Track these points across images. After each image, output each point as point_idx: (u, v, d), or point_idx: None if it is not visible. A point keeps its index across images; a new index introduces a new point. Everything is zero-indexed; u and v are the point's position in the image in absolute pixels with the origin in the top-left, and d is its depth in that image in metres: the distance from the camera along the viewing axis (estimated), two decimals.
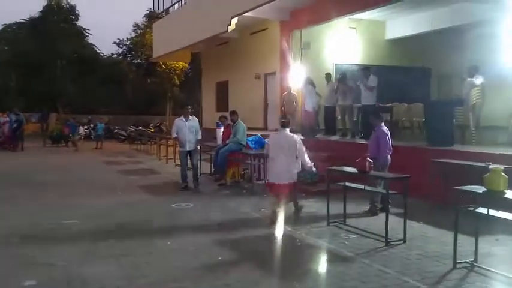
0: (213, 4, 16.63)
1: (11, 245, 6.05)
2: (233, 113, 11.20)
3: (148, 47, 29.59)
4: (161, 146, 17.46)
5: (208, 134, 15.75)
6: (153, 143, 20.06)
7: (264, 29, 17.06)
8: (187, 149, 10.33)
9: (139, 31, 37.92)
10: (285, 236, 6.49)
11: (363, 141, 10.34)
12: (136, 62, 40.59)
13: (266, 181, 9.78)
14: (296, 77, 14.67)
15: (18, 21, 39.89)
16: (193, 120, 10.58)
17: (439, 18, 14.22)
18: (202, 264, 5.24)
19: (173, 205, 8.58)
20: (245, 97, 18.48)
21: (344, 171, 7.22)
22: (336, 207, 7.17)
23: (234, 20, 14.54)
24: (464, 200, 5.25)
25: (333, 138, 12.59)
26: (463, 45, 13.46)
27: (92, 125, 28.53)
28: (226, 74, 20.65)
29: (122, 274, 4.91)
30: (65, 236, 6.45)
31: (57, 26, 38.04)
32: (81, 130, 26.97)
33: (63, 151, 21.31)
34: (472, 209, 5.09)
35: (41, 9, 38.58)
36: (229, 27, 14.70)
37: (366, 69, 11.89)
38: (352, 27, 15.72)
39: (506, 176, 4.80)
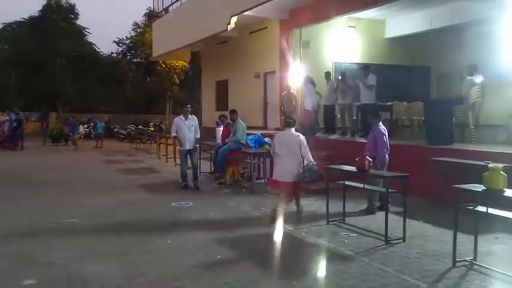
0: (212, 3, 16.62)
1: (10, 243, 6.05)
2: (233, 112, 11.20)
3: (148, 46, 29.62)
4: (161, 145, 17.46)
5: (208, 133, 15.76)
6: (152, 141, 20.07)
7: (264, 28, 17.06)
8: (187, 148, 10.33)
9: (138, 30, 37.98)
10: (285, 235, 6.49)
11: (362, 140, 10.34)
12: (136, 61, 40.64)
13: (266, 179, 9.88)
14: (296, 75, 14.66)
15: (18, 20, 39.94)
16: (193, 119, 10.57)
17: (438, 17, 14.21)
18: (201, 263, 5.24)
19: (173, 204, 8.58)
20: (245, 96, 18.48)
21: (343, 170, 7.22)
22: (336, 206, 7.18)
23: (234, 19, 14.54)
24: (463, 198, 5.25)
25: (333, 137, 12.59)
26: (462, 43, 13.45)
27: (91, 124, 28.55)
28: (226, 73, 20.65)
29: (121, 273, 4.92)
30: (64, 235, 6.45)
31: (57, 25, 38.07)
32: (81, 129, 26.98)
33: (63, 150, 21.32)
34: (471, 207, 5.09)
35: (40, 8, 38.61)
36: (228, 26, 14.70)
37: (365, 68, 11.91)
38: (352, 26, 15.72)
39: (506, 175, 4.80)
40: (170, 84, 33.65)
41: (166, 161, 15.47)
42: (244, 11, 14.06)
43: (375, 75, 11.49)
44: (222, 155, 10.80)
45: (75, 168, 14.39)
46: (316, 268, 5.30)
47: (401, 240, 6.00)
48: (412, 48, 15.88)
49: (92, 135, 26.32)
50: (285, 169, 7.25)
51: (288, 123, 7.67)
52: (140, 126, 27.77)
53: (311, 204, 8.20)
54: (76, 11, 40.13)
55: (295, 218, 7.29)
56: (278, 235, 6.56)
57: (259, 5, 13.20)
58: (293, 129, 7.53)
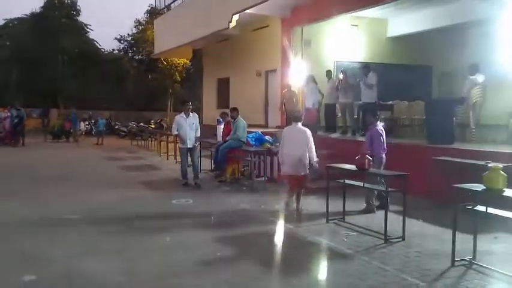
0: (214, 1, 16.61)
1: (11, 239, 6.08)
2: (233, 109, 11.22)
3: (150, 43, 29.58)
4: (162, 142, 17.47)
5: (209, 130, 15.75)
6: (153, 139, 20.08)
7: (265, 26, 17.04)
8: (188, 146, 10.33)
9: (140, 27, 37.89)
10: (285, 233, 6.52)
11: (363, 139, 10.34)
12: (137, 58, 40.57)
13: (266, 177, 9.91)
14: (297, 74, 14.65)
15: (19, 16, 39.94)
16: (194, 117, 10.56)
17: (440, 16, 14.20)
18: (201, 260, 5.26)
19: (173, 201, 8.60)
20: (246, 94, 18.48)
21: (344, 169, 7.23)
22: (336, 205, 7.20)
23: (235, 17, 14.52)
24: (463, 198, 5.26)
25: (333, 135, 12.59)
26: (464, 43, 13.45)
27: (92, 121, 28.57)
28: (227, 71, 20.64)
29: (122, 269, 4.94)
30: (65, 231, 6.47)
31: (59, 21, 38.07)
32: (82, 126, 27.01)
33: (64, 146, 21.35)
34: (470, 207, 5.10)
35: (42, 4, 38.60)
36: (230, 24, 14.69)
37: (365, 67, 11.91)
38: (354, 25, 15.69)
39: (505, 174, 4.81)
40: (171, 82, 33.62)
41: (167, 159, 15.47)
42: (245, 9, 14.05)
43: (375, 74, 11.48)
44: (223, 152, 10.80)
45: (76, 165, 14.42)
46: (315, 266, 5.31)
47: (400, 239, 6.01)
48: (414, 48, 15.86)
49: (93, 132, 26.34)
50: (294, 163, 7.59)
51: (295, 117, 8.04)
52: (141, 124, 27.81)
53: (311, 203, 8.21)
54: (78, 7, 40.12)
55: (295, 214, 7.42)
56: (278, 233, 6.58)
57: (261, 3, 13.17)
58: (300, 124, 7.86)
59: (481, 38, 12.36)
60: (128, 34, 41.13)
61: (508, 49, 10.73)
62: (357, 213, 7.59)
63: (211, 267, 5.05)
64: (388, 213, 6.15)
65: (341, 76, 12.76)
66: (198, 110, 18.49)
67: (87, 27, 41.25)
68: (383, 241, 5.96)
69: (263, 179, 10.26)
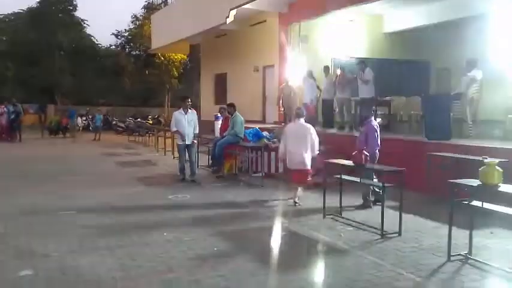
0: None
1: (7, 235, 6.07)
2: (230, 105, 11.21)
3: (147, 38, 29.52)
4: (159, 138, 17.46)
5: (206, 126, 15.75)
6: (151, 135, 20.06)
7: (263, 21, 17.01)
8: (187, 142, 10.29)
9: (137, 22, 37.80)
10: (281, 229, 6.52)
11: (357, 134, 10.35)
12: (134, 53, 40.50)
13: (264, 172, 9.94)
14: (294, 70, 14.64)
15: (16, 11, 39.79)
16: (192, 114, 10.51)
17: (437, 12, 14.19)
18: (197, 255, 5.26)
19: (170, 196, 8.60)
20: (244, 90, 18.46)
21: (341, 164, 7.23)
22: (333, 200, 7.20)
23: (233, 12, 14.51)
24: (460, 193, 5.27)
25: (331, 131, 12.59)
26: (461, 38, 13.44)
27: (90, 117, 28.53)
28: (225, 66, 20.61)
29: (117, 264, 4.93)
30: (61, 227, 6.46)
31: (55, 16, 37.96)
32: (79, 121, 26.96)
33: (61, 142, 21.32)
34: (466, 202, 5.11)
35: None
36: (227, 19, 14.66)
37: (361, 63, 11.92)
38: (350, 21, 15.66)
39: (501, 170, 4.82)
40: (169, 77, 33.59)
41: (165, 154, 15.47)
42: (243, 4, 14.03)
43: (372, 70, 11.48)
44: (220, 148, 10.80)
45: (73, 161, 14.40)
46: (311, 261, 5.30)
47: (397, 234, 6.01)
48: (412, 43, 15.86)
49: (90, 128, 26.31)
50: (295, 158, 7.88)
51: (297, 114, 8.24)
52: (139, 119, 27.77)
53: (308, 198, 8.21)
54: (74, 2, 40.02)
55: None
56: (275, 228, 6.59)
57: None
58: (302, 120, 8.10)
59: (478, 34, 12.36)
60: (125, 29, 41.06)
61: (506, 44, 10.75)
62: (354, 208, 7.60)
63: (207, 262, 5.04)
64: (385, 209, 6.15)
65: (338, 72, 12.77)
66: (196, 106, 18.49)
67: (84, 23, 41.20)
68: (379, 236, 5.97)
69: (260, 174, 10.25)
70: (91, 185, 9.81)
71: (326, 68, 13.58)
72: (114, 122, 28.84)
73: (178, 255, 5.26)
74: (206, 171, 11.66)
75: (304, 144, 7.85)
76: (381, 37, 16.47)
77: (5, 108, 21.19)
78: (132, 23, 39.36)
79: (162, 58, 32.25)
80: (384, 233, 6.00)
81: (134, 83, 37.87)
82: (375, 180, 7.23)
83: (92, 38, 41.78)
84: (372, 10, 15.10)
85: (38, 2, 38.47)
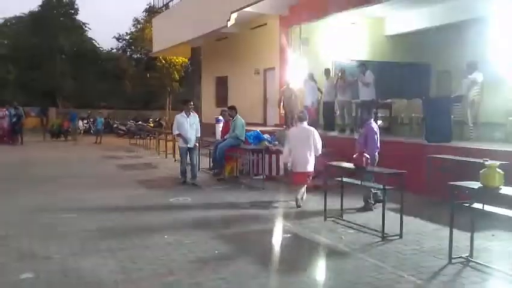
0: None
1: (8, 238, 6.07)
2: (231, 108, 11.23)
3: (148, 41, 29.59)
4: (160, 141, 17.48)
5: (207, 129, 15.77)
6: (152, 138, 20.08)
7: (264, 24, 17.05)
8: (189, 145, 10.26)
9: (139, 26, 37.90)
10: (282, 231, 6.52)
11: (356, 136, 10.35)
12: (136, 56, 40.63)
13: (265, 175, 9.95)
14: (295, 72, 14.66)
15: (17, 15, 39.92)
16: (195, 117, 10.51)
17: (438, 14, 14.21)
18: (198, 258, 5.26)
19: (171, 199, 8.60)
20: (244, 92, 18.49)
21: (341, 167, 7.24)
22: (334, 202, 7.21)
23: (234, 15, 14.55)
24: (461, 195, 5.27)
25: (332, 133, 12.60)
26: (462, 41, 13.45)
27: (91, 120, 28.57)
28: (226, 69, 20.64)
29: (118, 267, 4.93)
30: (62, 230, 6.47)
31: (57, 20, 38.06)
32: (81, 124, 27.01)
33: (62, 145, 21.35)
34: (467, 204, 5.10)
35: (40, 3, 38.55)
36: (228, 22, 14.70)
37: (362, 65, 11.94)
38: (352, 23, 15.68)
39: (502, 172, 4.82)
40: (170, 80, 33.62)
41: (166, 157, 15.48)
42: (244, 7, 14.06)
43: (372, 72, 11.50)
44: (221, 151, 10.80)
45: (74, 164, 14.42)
46: (312, 264, 5.30)
47: (398, 237, 6.01)
48: (413, 46, 15.87)
49: (92, 131, 26.35)
50: (299, 161, 7.99)
51: (300, 117, 8.41)
52: (140, 122, 27.81)
53: (309, 200, 8.22)
54: (76, 6, 40.13)
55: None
56: (276, 231, 6.59)
57: (259, 1, 13.20)
58: (305, 123, 8.24)
59: (479, 36, 12.37)
60: (126, 33, 41.22)
61: (506, 47, 10.75)
62: (355, 211, 7.59)
63: (208, 265, 5.04)
64: (386, 211, 6.15)
65: (339, 74, 12.78)
66: (197, 109, 18.53)
67: (86, 26, 41.27)
68: (380, 239, 5.97)
69: (261, 177, 10.25)
70: (92, 188, 9.82)
71: (327, 71, 13.60)
72: (115, 125, 28.87)
73: (179, 258, 5.26)
74: (207, 174, 11.67)
75: (308, 147, 8.00)
76: (382, 40, 16.48)
77: (6, 112, 21.23)
78: (133, 26, 39.52)
79: (163, 61, 32.30)
80: (385, 235, 5.99)
81: (135, 86, 37.94)
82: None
83: (93, 41, 41.87)
84: (373, 13, 15.12)
85: (40, 6, 38.59)
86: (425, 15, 14.70)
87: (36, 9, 38.68)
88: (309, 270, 5.07)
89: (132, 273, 4.79)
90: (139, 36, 36.21)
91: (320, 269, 5.14)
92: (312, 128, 8.27)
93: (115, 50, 42.73)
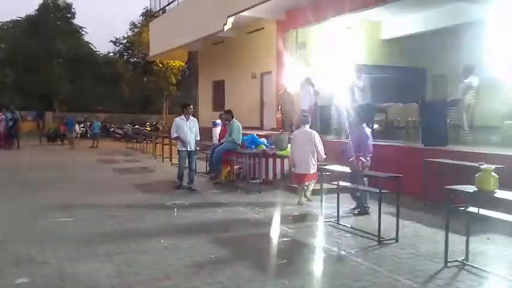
0: (209, 3, 16.65)
1: (4, 242, 6.06)
2: (227, 112, 11.25)
3: (145, 45, 29.63)
4: (157, 145, 17.48)
5: (204, 133, 15.76)
6: (149, 141, 20.08)
7: (261, 29, 17.09)
8: (188, 149, 10.21)
9: (136, 30, 37.95)
10: (278, 235, 6.53)
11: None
12: (132, 60, 40.66)
13: (262, 179, 9.98)
14: (292, 76, 14.69)
15: (14, 19, 39.90)
16: (193, 121, 10.48)
17: (434, 19, 14.26)
18: (195, 262, 5.26)
19: (168, 203, 8.59)
20: (241, 96, 18.51)
21: (338, 171, 7.26)
22: (330, 206, 7.22)
23: (231, 19, 14.58)
24: (457, 199, 5.30)
25: (328, 137, 12.60)
26: (458, 45, 13.50)
27: (88, 124, 28.55)
28: (222, 73, 20.67)
29: (115, 271, 4.93)
30: (59, 234, 6.45)
31: (54, 24, 38.06)
32: (77, 128, 26.97)
33: (59, 149, 21.30)
34: (463, 208, 5.13)
35: (37, 7, 38.58)
36: (225, 26, 14.73)
37: (357, 70, 11.96)
38: (348, 27, 15.73)
39: (497, 176, 4.84)
40: (167, 84, 33.65)
41: (163, 161, 15.48)
42: (240, 12, 14.10)
43: (368, 77, 11.54)
44: (218, 155, 10.81)
45: (70, 168, 14.39)
46: (309, 268, 5.32)
47: (394, 241, 6.03)
48: (408, 50, 15.90)
49: (88, 135, 26.32)
50: (300, 162, 8.38)
51: (302, 120, 8.80)
52: (137, 126, 27.80)
53: (306, 204, 8.23)
54: (73, 10, 40.16)
55: (290, 217, 7.54)
56: (272, 235, 6.59)
57: (255, 5, 13.24)
58: (307, 126, 8.63)
59: (474, 40, 12.42)
60: (123, 37, 41.26)
61: (502, 51, 10.80)
62: (352, 214, 7.61)
63: (205, 269, 5.04)
64: (382, 215, 6.16)
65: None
66: (194, 113, 18.55)
67: (83, 30, 41.32)
68: (376, 242, 5.99)
69: (258, 181, 10.26)
70: (89, 192, 9.81)
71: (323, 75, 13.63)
72: (112, 129, 28.86)
73: (175, 262, 5.26)
74: (204, 178, 11.66)
75: (308, 150, 8.33)
76: (379, 44, 16.53)
77: (2, 116, 21.17)
78: (130, 30, 39.58)
79: (160, 65, 32.34)
80: (381, 239, 6.01)
81: (132, 90, 37.97)
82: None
83: (90, 45, 41.93)
84: (369, 17, 15.17)
85: (37, 10, 38.60)
86: (421, 20, 14.76)
87: (33, 13, 38.67)
88: (305, 273, 5.08)
89: (129, 277, 4.78)
90: (136, 40, 36.27)
91: (316, 273, 5.15)
92: (313, 131, 8.58)
93: (112, 54, 42.81)
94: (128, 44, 40.33)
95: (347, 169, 7.08)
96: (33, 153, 19.03)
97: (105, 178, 12.12)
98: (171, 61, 31.44)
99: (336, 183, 7.26)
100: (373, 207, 7.44)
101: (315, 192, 8.54)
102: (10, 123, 20.70)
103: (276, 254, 5.77)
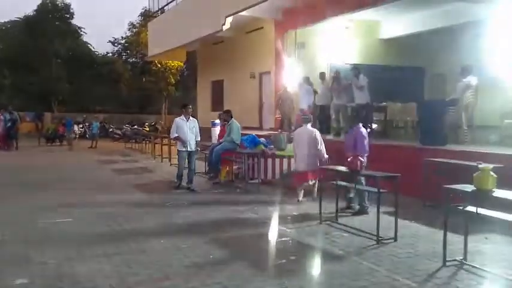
0: (208, 3, 16.65)
1: (3, 243, 6.06)
2: (226, 112, 11.26)
3: (144, 45, 29.60)
4: (156, 145, 17.48)
5: (203, 133, 15.74)
6: (148, 142, 20.08)
7: (260, 28, 17.11)
8: (188, 149, 10.17)
9: (134, 30, 37.91)
10: (277, 235, 6.53)
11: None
12: (131, 60, 40.61)
13: (261, 179, 10.01)
14: (291, 76, 14.70)
15: (12, 19, 39.85)
16: (194, 121, 10.45)
17: (432, 18, 14.30)
18: (194, 263, 5.27)
19: (167, 204, 8.60)
20: (240, 96, 18.52)
21: (336, 170, 7.27)
22: (329, 206, 7.23)
23: (229, 19, 14.58)
24: (456, 199, 5.30)
25: (327, 137, 12.61)
26: (456, 45, 13.54)
27: (86, 124, 28.52)
28: (221, 73, 20.67)
29: (114, 272, 4.93)
30: (58, 235, 6.46)
31: (52, 24, 38.00)
32: (76, 129, 26.95)
33: (57, 150, 21.30)
34: (461, 207, 5.14)
35: (35, 8, 38.53)
36: (224, 26, 14.73)
37: (355, 69, 12.00)
38: (347, 27, 15.75)
39: (495, 175, 4.85)
40: (166, 85, 33.63)
41: (161, 161, 15.48)
42: (239, 12, 14.10)
43: (366, 76, 11.57)
44: (217, 154, 10.81)
45: (69, 168, 14.39)
46: (307, 267, 5.32)
47: (392, 240, 6.03)
48: (407, 49, 15.94)
49: (87, 135, 26.30)
50: (304, 160, 8.53)
51: (304, 120, 9.04)
52: (135, 126, 27.78)
53: (304, 204, 8.25)
54: (71, 10, 40.10)
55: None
56: (271, 235, 6.60)
57: (253, 5, 13.24)
58: (309, 125, 8.80)
59: (473, 40, 12.46)
60: (122, 37, 41.20)
61: (500, 50, 10.82)
62: (350, 214, 7.62)
63: (204, 270, 5.05)
64: (381, 215, 6.17)
65: (334, 75, 12.84)
66: (193, 113, 18.53)
67: (81, 30, 41.27)
68: (375, 242, 5.99)
69: (257, 181, 10.27)
70: (88, 193, 9.80)
71: (322, 74, 13.65)
72: (110, 130, 28.83)
73: (175, 262, 5.26)
74: (203, 178, 11.66)
75: (308, 148, 8.49)
76: (377, 43, 16.56)
77: (1, 116, 21.10)
78: (128, 30, 39.52)
79: (159, 65, 32.31)
80: (380, 238, 6.02)
81: (131, 90, 37.94)
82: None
83: (89, 45, 41.88)
84: (367, 17, 15.21)
85: (35, 10, 38.54)
86: (419, 19, 14.79)
87: (32, 14, 38.62)
88: (304, 273, 5.09)
89: (128, 278, 4.78)
90: (134, 41, 36.22)
91: (315, 273, 5.16)
92: (315, 130, 8.77)
93: (110, 54, 42.77)
94: (126, 44, 40.28)
95: (345, 168, 7.07)
96: (32, 154, 19.02)
97: (104, 178, 12.12)
98: (170, 61, 31.42)
99: (334, 182, 7.26)
100: (371, 207, 7.45)
101: (313, 192, 8.56)
102: (9, 124, 20.64)
103: (274, 253, 5.78)
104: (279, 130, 13.79)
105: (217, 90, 21.31)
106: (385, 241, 6.01)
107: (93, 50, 42.06)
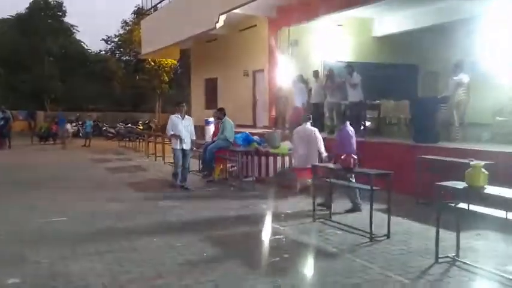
0: (201, 1, 16.61)
1: None
2: (219, 110, 11.25)
3: (137, 43, 29.50)
4: (150, 144, 17.43)
5: (197, 131, 15.73)
6: (141, 140, 20.02)
7: (253, 26, 17.08)
8: (184, 147, 10.08)
9: (127, 28, 37.76)
10: (271, 233, 6.54)
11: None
12: (124, 58, 40.47)
13: (255, 177, 10.02)
14: (284, 74, 14.70)
15: (4, 17, 39.61)
16: (189, 120, 10.39)
17: (425, 16, 14.34)
18: (187, 261, 5.26)
19: (160, 202, 8.59)
20: (234, 94, 18.50)
21: (329, 168, 7.29)
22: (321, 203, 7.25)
23: (222, 17, 14.55)
24: (448, 195, 5.33)
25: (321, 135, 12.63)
26: (449, 42, 13.60)
27: (80, 123, 28.40)
28: (215, 71, 20.64)
29: (106, 271, 4.92)
30: (51, 234, 6.43)
31: (45, 22, 37.80)
32: (69, 127, 26.81)
33: (51, 149, 21.20)
34: (453, 204, 5.17)
35: (28, 5, 38.30)
36: (217, 24, 14.70)
37: (349, 67, 12.01)
38: (340, 25, 15.77)
39: (487, 172, 4.88)
40: (159, 83, 33.53)
41: (155, 160, 15.45)
42: (232, 9, 14.07)
43: (359, 74, 11.59)
44: (211, 152, 10.80)
45: (63, 167, 14.32)
46: (300, 265, 5.33)
47: (385, 237, 6.06)
48: (400, 47, 15.98)
49: (81, 134, 26.19)
50: (303, 157, 8.77)
51: (304, 118, 9.24)
52: (129, 125, 27.69)
53: (298, 202, 8.26)
54: (64, 8, 39.92)
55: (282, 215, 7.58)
56: (265, 233, 6.61)
57: (247, 3, 13.22)
58: (308, 124, 9.03)
59: (465, 37, 12.51)
60: (115, 35, 41.04)
61: (492, 48, 10.89)
62: (344, 211, 7.64)
63: (197, 268, 5.05)
64: (374, 212, 6.20)
65: (328, 73, 12.86)
66: (187, 111, 18.51)
67: (74, 28, 41.09)
68: (368, 239, 6.02)
69: (251, 179, 10.27)
70: (81, 192, 9.77)
71: (315, 72, 13.66)
72: (104, 128, 28.72)
73: (168, 260, 5.26)
74: (197, 176, 11.65)
75: (309, 146, 8.75)
76: (370, 41, 16.60)
77: None
78: (121, 28, 39.35)
79: (153, 63, 32.21)
80: (373, 235, 6.04)
81: (124, 88, 37.80)
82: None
83: (82, 43, 41.72)
84: (360, 14, 15.22)
85: (27, 8, 38.31)
86: (412, 17, 14.83)
87: (24, 12, 38.38)
88: (297, 271, 5.10)
89: (121, 276, 4.78)
90: (128, 38, 36.08)
91: (308, 270, 5.17)
92: (314, 129, 8.98)
93: (104, 52, 42.60)
94: (119, 42, 40.13)
95: (339, 166, 7.09)
96: (25, 153, 18.92)
97: (98, 177, 12.08)
98: (163, 59, 31.33)
99: (328, 180, 7.27)
100: (364, 204, 7.47)
101: (308, 189, 8.58)
102: (1, 123, 20.52)
103: (268, 251, 5.79)
104: (273, 128, 13.82)
105: (211, 88, 21.28)
106: (378, 238, 6.04)
107: (86, 48, 41.92)
